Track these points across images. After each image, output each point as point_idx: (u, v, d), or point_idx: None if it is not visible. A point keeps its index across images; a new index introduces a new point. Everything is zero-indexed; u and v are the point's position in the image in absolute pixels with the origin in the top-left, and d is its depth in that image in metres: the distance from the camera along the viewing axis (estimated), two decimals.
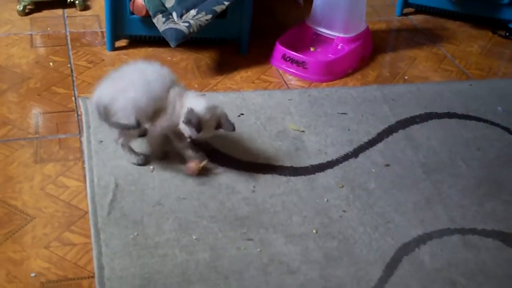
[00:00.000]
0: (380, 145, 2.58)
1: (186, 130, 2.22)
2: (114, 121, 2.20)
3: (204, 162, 2.33)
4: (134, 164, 2.34)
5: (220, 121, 2.25)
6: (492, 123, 2.76)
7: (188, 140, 2.26)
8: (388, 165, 2.48)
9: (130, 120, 2.19)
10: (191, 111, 2.17)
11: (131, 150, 2.34)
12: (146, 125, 2.31)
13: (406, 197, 2.34)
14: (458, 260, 2.10)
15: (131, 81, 2.22)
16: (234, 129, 2.27)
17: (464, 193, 2.38)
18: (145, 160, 2.35)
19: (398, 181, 2.41)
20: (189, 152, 2.34)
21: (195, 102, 2.22)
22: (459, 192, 2.38)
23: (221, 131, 2.30)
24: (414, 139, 2.62)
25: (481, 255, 2.13)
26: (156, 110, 2.24)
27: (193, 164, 2.32)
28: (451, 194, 2.37)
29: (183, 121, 2.20)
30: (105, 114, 2.20)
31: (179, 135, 2.29)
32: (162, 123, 2.26)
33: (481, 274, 2.06)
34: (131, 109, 2.19)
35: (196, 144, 2.35)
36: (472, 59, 3.29)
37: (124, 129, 2.24)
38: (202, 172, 2.33)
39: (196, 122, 2.17)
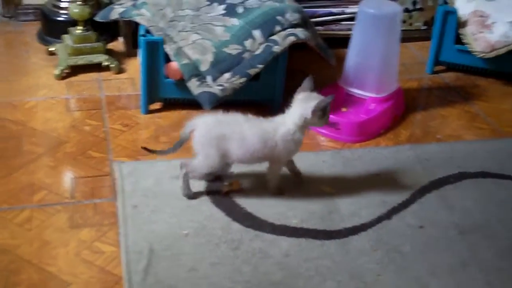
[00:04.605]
0: (413, 206, 2.56)
1: (320, 121, 2.45)
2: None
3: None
4: (183, 195, 2.51)
5: None
6: None
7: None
8: (422, 226, 2.46)
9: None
10: (319, 104, 2.40)
11: (187, 184, 2.50)
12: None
13: (442, 259, 2.31)
14: None
15: (233, 131, 2.43)
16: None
17: (501, 255, 2.35)
18: (194, 196, 2.52)
19: (433, 243, 2.39)
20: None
21: (306, 105, 2.43)
22: (496, 254, 2.35)
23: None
24: (448, 200, 2.61)
25: None
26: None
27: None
28: (488, 256, 2.34)
29: (319, 114, 2.41)
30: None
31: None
32: (283, 156, 2.50)
33: None
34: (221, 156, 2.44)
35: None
36: (505, 116, 3.28)
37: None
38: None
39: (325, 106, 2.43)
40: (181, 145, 2.50)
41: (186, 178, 2.50)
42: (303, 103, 2.43)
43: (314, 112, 2.40)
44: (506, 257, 2.34)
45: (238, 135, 2.42)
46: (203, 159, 2.45)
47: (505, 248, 2.39)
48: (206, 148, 2.43)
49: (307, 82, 2.48)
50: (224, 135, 2.41)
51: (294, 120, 2.44)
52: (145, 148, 2.61)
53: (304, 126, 2.46)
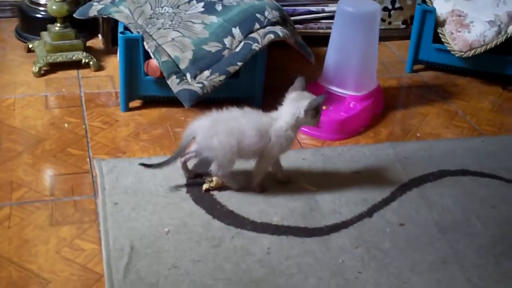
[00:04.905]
0: (394, 204, 2.57)
1: (313, 120, 2.46)
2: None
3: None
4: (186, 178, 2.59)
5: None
6: (507, 180, 2.76)
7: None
8: (402, 224, 2.47)
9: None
10: (311, 103, 2.41)
11: (187, 169, 2.58)
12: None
13: (422, 257, 2.33)
14: None
15: (232, 127, 2.42)
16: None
17: (480, 252, 2.36)
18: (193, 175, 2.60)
19: (413, 241, 2.40)
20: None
21: (298, 104, 2.43)
22: (475, 251, 2.37)
23: None
24: (428, 198, 2.62)
25: None
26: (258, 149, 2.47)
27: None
28: (467, 253, 2.35)
29: (311, 114, 2.42)
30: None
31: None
32: (274, 152, 2.49)
33: None
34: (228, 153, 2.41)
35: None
36: (483, 115, 3.30)
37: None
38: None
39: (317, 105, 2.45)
40: (180, 154, 2.49)
41: (184, 166, 2.56)
42: (295, 102, 2.44)
43: (306, 111, 2.41)
44: (485, 254, 2.36)
45: (237, 130, 2.41)
46: (218, 161, 2.44)
47: (484, 245, 2.40)
48: (213, 150, 2.42)
49: (298, 82, 2.49)
50: (225, 132, 2.40)
51: (286, 119, 2.44)
52: (143, 164, 2.53)
53: (297, 125, 2.47)
